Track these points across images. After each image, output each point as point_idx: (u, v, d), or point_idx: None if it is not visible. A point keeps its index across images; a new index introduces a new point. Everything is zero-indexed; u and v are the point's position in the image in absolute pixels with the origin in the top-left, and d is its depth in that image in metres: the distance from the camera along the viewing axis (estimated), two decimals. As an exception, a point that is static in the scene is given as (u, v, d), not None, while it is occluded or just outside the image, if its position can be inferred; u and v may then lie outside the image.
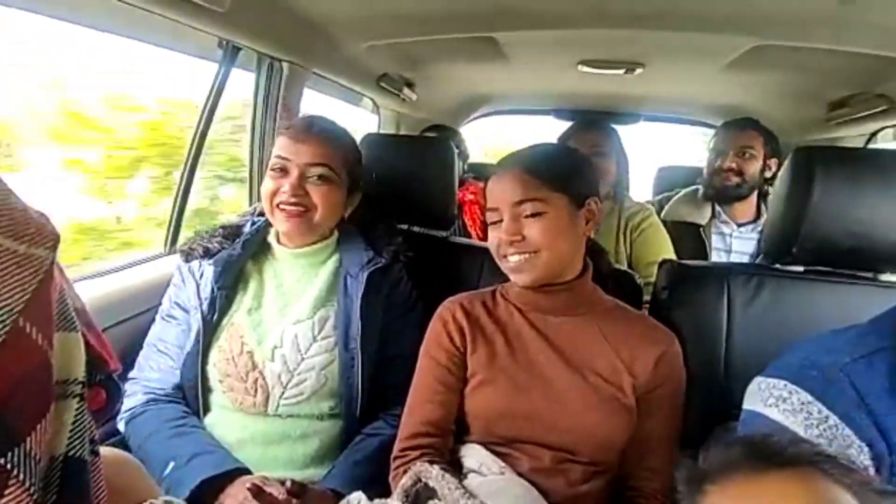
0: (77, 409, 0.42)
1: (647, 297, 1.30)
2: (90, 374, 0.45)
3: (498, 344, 1.01)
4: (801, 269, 1.17)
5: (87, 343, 0.45)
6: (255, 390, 1.06)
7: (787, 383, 0.75)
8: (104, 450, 0.50)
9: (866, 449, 0.67)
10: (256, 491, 0.87)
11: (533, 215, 0.95)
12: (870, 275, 1.15)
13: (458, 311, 1.05)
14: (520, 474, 0.92)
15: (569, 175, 0.98)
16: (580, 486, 0.90)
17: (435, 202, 1.43)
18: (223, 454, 1.00)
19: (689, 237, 1.90)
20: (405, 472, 0.86)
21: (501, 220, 0.97)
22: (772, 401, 0.75)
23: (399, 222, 1.41)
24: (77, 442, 0.42)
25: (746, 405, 0.79)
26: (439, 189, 1.42)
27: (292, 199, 1.09)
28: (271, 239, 1.19)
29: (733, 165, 1.85)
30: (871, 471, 0.67)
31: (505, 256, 0.98)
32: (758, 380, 0.79)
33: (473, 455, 0.97)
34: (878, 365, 0.71)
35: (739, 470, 0.54)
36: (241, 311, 1.12)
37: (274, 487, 0.90)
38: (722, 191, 1.88)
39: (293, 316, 1.11)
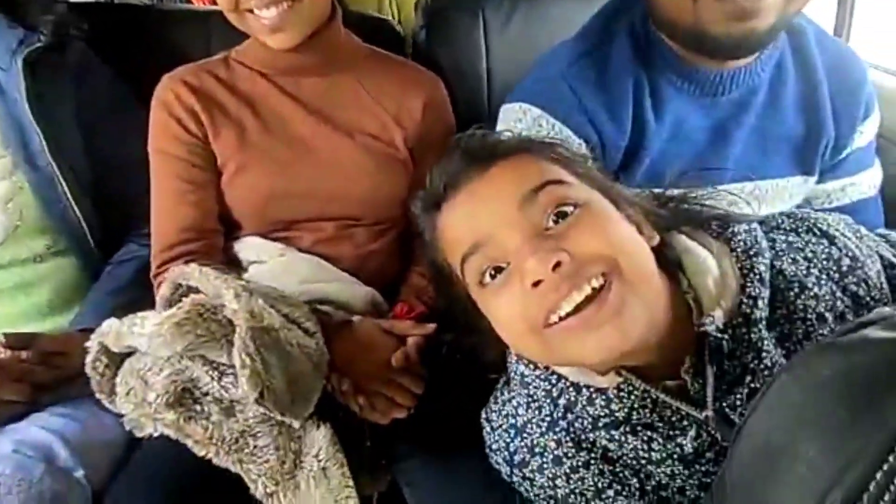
0: None
1: None
2: None
3: (245, 120, 0.84)
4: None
5: None
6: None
7: (520, 104, 0.77)
8: None
9: (584, 145, 0.73)
10: None
11: None
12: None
13: (182, 90, 0.83)
14: (303, 251, 0.85)
15: None
16: (368, 245, 0.86)
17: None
18: None
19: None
20: None
21: None
22: (511, 123, 0.77)
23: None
24: None
25: None
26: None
27: None
28: None
29: None
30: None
31: (252, 11, 0.76)
32: (502, 108, 0.81)
33: (249, 247, 0.86)
34: (590, 65, 0.76)
35: (461, 177, 0.55)
36: None
37: None
38: None
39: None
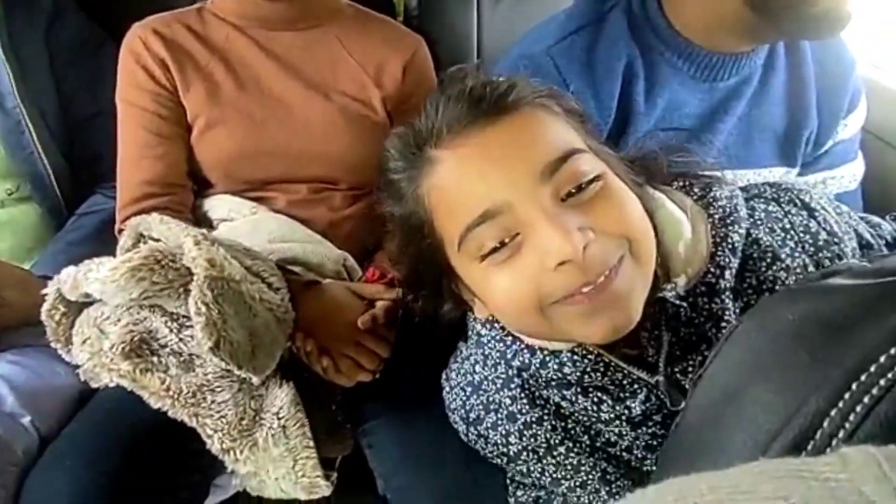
0: None
1: None
2: None
3: (217, 74, 0.81)
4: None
5: None
6: None
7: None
8: None
9: None
10: None
11: None
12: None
13: (151, 39, 0.80)
14: (276, 212, 0.83)
15: None
16: (343, 210, 0.84)
17: None
18: None
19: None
20: None
21: None
22: None
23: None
24: None
25: None
26: None
27: None
28: None
29: None
30: None
31: None
32: None
33: (220, 205, 0.83)
34: (578, 42, 0.73)
35: (467, 125, 0.47)
36: None
37: None
38: None
39: None
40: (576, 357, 0.51)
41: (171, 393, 0.59)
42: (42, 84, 0.84)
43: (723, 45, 0.72)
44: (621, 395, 0.51)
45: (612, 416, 0.52)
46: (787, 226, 0.53)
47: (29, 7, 0.83)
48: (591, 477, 0.54)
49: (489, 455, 0.58)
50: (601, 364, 0.51)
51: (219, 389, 0.61)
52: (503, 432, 0.55)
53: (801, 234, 0.52)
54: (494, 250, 0.46)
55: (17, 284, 0.71)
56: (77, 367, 0.63)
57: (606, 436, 0.53)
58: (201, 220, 0.84)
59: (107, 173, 0.87)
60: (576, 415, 0.54)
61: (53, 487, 0.54)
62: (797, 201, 0.54)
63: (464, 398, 0.58)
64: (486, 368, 0.57)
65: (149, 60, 0.79)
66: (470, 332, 0.59)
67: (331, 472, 0.65)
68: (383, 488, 0.65)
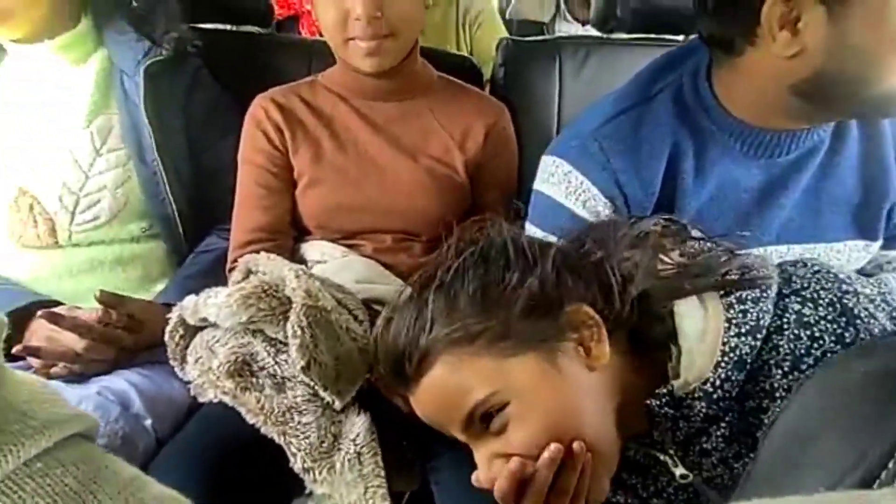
0: None
1: None
2: None
3: (323, 139, 0.93)
4: (626, 36, 1.19)
5: None
6: (34, 220, 0.89)
7: (554, 158, 0.77)
8: None
9: (609, 205, 0.73)
10: (54, 318, 0.75)
11: None
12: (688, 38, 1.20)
13: (271, 108, 0.94)
14: (365, 257, 0.91)
15: None
16: (422, 257, 0.91)
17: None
18: (17, 289, 0.85)
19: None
20: None
21: None
22: (545, 176, 0.78)
23: (196, 21, 1.17)
24: None
25: (534, 184, 0.81)
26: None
27: None
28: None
29: None
30: None
31: (352, 39, 0.86)
32: (542, 157, 0.81)
33: (315, 249, 0.93)
34: (624, 123, 0.74)
35: (401, 380, 0.57)
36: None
37: (81, 311, 0.79)
38: None
39: (60, 127, 0.91)
40: None
41: (264, 411, 0.66)
42: (177, 142, 0.97)
43: (776, 125, 0.71)
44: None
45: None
46: (817, 334, 0.49)
47: (172, 78, 0.99)
48: None
49: None
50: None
51: (305, 412, 0.67)
52: None
53: (831, 345, 0.48)
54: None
55: (147, 312, 0.82)
56: (189, 382, 0.72)
57: None
58: (298, 262, 0.93)
59: (222, 218, 1.00)
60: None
61: (167, 481, 0.61)
62: (838, 305, 0.50)
63: None
64: None
65: (267, 126, 0.93)
66: None
67: (398, 506, 0.68)
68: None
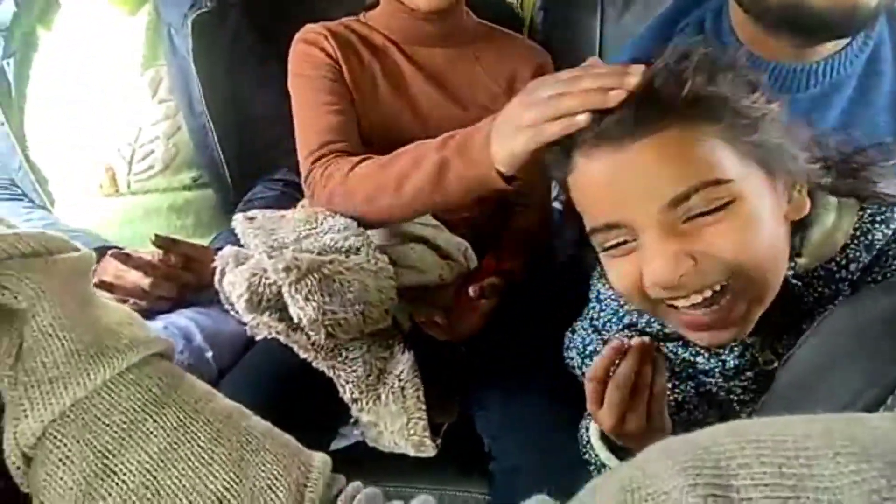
0: None
1: None
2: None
3: (377, 76, 0.90)
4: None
5: None
6: (95, 169, 0.95)
7: None
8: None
9: None
10: (123, 257, 0.81)
11: None
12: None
13: (324, 32, 0.89)
14: None
15: None
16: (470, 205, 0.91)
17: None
18: (86, 236, 0.91)
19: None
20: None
21: None
22: None
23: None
24: None
25: None
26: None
27: None
28: None
29: None
30: None
31: None
32: None
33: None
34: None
35: (617, 129, 0.47)
36: (45, 82, 0.94)
37: (143, 254, 0.85)
38: None
39: (114, 78, 0.96)
40: None
41: (315, 347, 0.70)
42: (222, 93, 1.00)
43: (783, 58, 0.70)
44: (718, 349, 0.55)
45: (707, 367, 0.56)
46: None
47: (215, 29, 1.01)
48: (693, 416, 0.59)
49: None
50: None
51: (351, 349, 0.72)
52: None
53: None
54: (612, 247, 0.50)
55: (201, 254, 0.87)
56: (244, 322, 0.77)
57: (707, 386, 0.58)
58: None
59: (267, 168, 1.04)
60: (676, 365, 0.59)
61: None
62: None
63: (584, 335, 0.66)
64: (602, 317, 0.64)
65: (324, 43, 0.88)
66: (592, 289, 0.67)
67: (437, 437, 0.73)
68: (489, 446, 0.73)
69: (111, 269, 0.84)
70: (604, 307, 0.64)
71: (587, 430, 0.61)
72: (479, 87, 0.92)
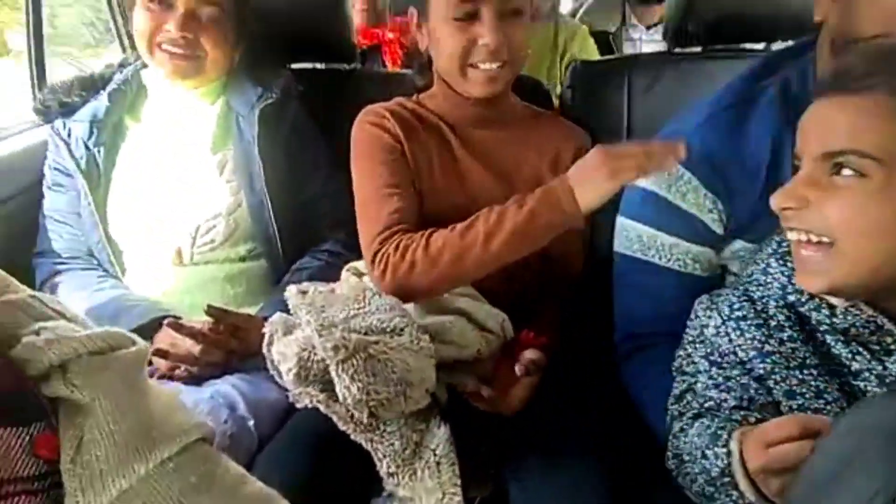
0: None
1: None
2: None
3: (433, 154, 0.95)
4: (699, 49, 1.19)
5: None
6: (165, 243, 1.04)
7: None
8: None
9: (710, 195, 0.79)
10: (177, 327, 0.89)
11: (514, 13, 0.88)
12: (762, 46, 1.18)
13: (386, 114, 0.94)
14: None
15: None
16: (513, 275, 0.91)
17: (327, 32, 1.29)
18: (148, 305, 0.99)
19: (599, 46, 1.88)
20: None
21: (476, 18, 0.87)
22: None
23: (294, 61, 1.30)
24: None
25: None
26: (329, 16, 1.27)
27: (180, 41, 1.00)
28: (147, 81, 1.09)
29: None
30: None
31: (473, 65, 0.89)
32: None
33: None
34: (725, 118, 0.80)
35: (821, 86, 0.61)
36: (128, 166, 1.06)
37: (195, 323, 0.92)
38: None
39: (187, 162, 1.06)
40: (849, 312, 0.57)
41: (353, 420, 0.73)
42: (281, 174, 1.09)
43: None
44: (880, 353, 0.57)
45: (862, 367, 0.57)
46: None
47: (279, 118, 1.11)
48: (828, 408, 0.57)
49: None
50: (872, 324, 0.57)
51: (388, 423, 0.74)
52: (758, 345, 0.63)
53: None
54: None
55: (249, 323, 0.94)
56: (287, 390, 0.81)
57: (853, 385, 0.58)
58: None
59: (315, 240, 1.12)
60: (830, 361, 0.59)
61: (268, 475, 0.71)
62: None
63: (733, 300, 0.67)
64: (762, 290, 0.66)
65: (387, 122, 0.93)
66: (759, 263, 0.69)
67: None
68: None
69: (167, 337, 0.91)
70: (769, 281, 0.66)
71: (720, 457, 0.59)
72: (524, 165, 0.97)
